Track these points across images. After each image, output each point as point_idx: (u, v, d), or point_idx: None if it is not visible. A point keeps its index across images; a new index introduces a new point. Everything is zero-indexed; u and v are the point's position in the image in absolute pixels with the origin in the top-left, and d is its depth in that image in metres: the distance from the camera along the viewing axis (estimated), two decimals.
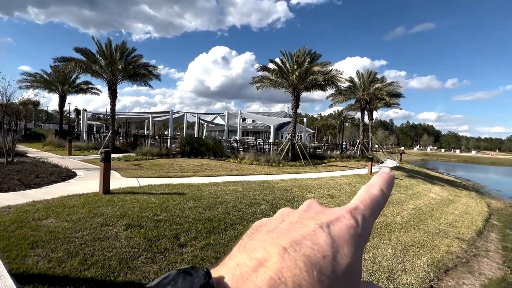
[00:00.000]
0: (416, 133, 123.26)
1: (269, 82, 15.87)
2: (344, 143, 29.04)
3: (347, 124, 46.96)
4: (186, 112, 25.87)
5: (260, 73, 15.91)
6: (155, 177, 8.84)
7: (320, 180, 10.14)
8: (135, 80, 17.87)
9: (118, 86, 17.11)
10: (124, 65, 15.14)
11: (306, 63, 14.24)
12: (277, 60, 15.60)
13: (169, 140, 18.07)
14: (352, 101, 22.91)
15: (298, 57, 14.62)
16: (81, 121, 26.68)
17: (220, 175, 9.87)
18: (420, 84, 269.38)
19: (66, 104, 26.49)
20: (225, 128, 23.53)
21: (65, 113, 30.67)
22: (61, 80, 22.72)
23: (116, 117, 18.80)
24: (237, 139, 21.49)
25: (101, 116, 37.53)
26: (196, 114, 25.63)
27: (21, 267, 2.85)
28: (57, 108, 28.02)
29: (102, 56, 15.59)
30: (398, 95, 21.73)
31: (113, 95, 16.82)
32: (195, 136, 22.03)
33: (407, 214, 7.36)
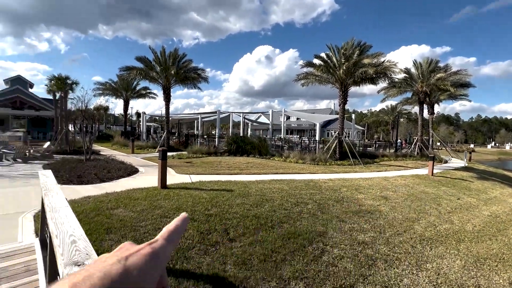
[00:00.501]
0: (489, 129, 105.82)
1: (314, 78, 15.40)
2: (399, 140, 26.55)
3: (402, 119, 42.87)
4: (232, 112, 26.79)
5: (305, 69, 15.54)
6: (205, 174, 9.37)
7: (372, 180, 9.46)
8: (186, 84, 19.18)
9: (171, 90, 18.62)
10: (176, 70, 16.38)
11: (355, 55, 13.39)
12: (323, 55, 15.03)
13: (216, 139, 18.96)
14: (409, 94, 20.76)
15: (345, 50, 13.84)
16: (141, 123, 29.90)
17: (265, 173, 9.96)
18: (495, 71, 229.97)
19: (128, 108, 29.87)
20: (269, 126, 23.65)
21: (128, 116, 34.65)
22: (125, 87, 25.74)
23: (170, 118, 20.51)
24: (282, 137, 21.43)
25: (157, 118, 41.41)
26: (241, 114, 26.35)
27: (99, 249, 3.32)
28: (122, 112, 31.93)
29: (157, 63, 17.14)
30: (466, 85, 18.90)
31: (167, 98, 18.36)
32: (241, 135, 22.67)
33: (480, 222, 6.38)
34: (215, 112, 24.41)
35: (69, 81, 19.00)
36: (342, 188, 7.83)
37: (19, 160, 10.71)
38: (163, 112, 22.74)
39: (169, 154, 16.80)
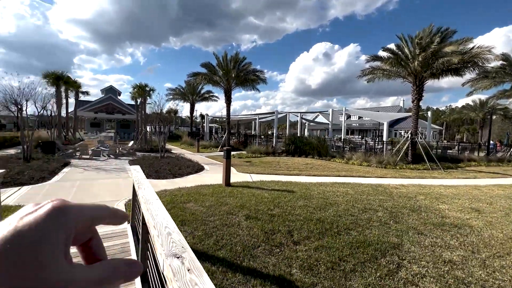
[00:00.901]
0: None
1: (381, 73, 14.03)
2: (491, 142, 22.03)
3: (495, 116, 35.58)
4: (289, 112, 26.61)
5: (370, 64, 14.27)
6: (265, 173, 9.50)
7: (457, 189, 8.05)
8: (245, 86, 19.89)
9: (231, 92, 19.58)
10: (236, 73, 17.14)
11: (434, 44, 11.63)
12: (391, 46, 13.55)
13: (274, 140, 19.11)
14: (506, 86, 17.03)
15: (421, 39, 12.17)
16: (204, 124, 32.39)
17: (326, 175, 9.53)
18: None
19: (193, 111, 32.65)
20: (329, 126, 22.63)
21: (193, 118, 37.96)
22: (191, 91, 28.25)
23: (230, 119, 21.62)
24: (342, 137, 20.23)
25: (217, 119, 44.25)
26: (299, 114, 25.94)
27: None
28: (187, 114, 35.23)
29: (220, 67, 18.25)
30: None
31: (228, 100, 19.38)
32: (298, 135, 22.32)
33: None
34: (272, 113, 24.66)
35: (147, 89, 21.84)
36: (418, 196, 6.89)
37: (111, 156, 12.82)
38: (223, 113, 24.16)
39: None
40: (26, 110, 10.28)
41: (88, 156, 12.29)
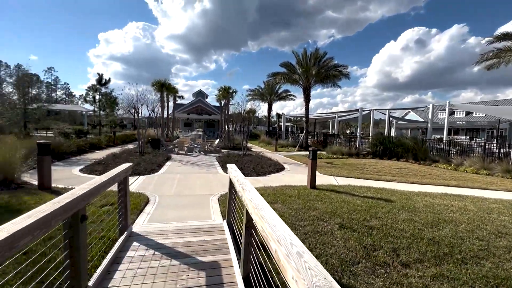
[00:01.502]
0: None
1: None
2: None
3: None
4: (374, 109, 23.86)
5: (495, 45, 11.19)
6: (350, 177, 8.68)
7: None
8: (325, 83, 18.91)
9: (310, 90, 18.94)
10: (317, 69, 16.43)
11: None
12: None
13: (357, 139, 17.49)
14: None
15: None
16: (281, 123, 32.66)
17: (429, 184, 7.96)
18: None
19: (271, 110, 33.36)
20: (427, 124, 19.10)
21: (270, 117, 38.87)
22: (269, 91, 28.94)
23: (308, 118, 21.00)
24: (445, 138, 16.70)
25: (292, 118, 43.97)
26: (386, 111, 22.93)
27: None
28: (264, 113, 36.35)
29: (299, 65, 17.90)
30: None
31: (307, 99, 18.85)
32: (383, 134, 19.76)
33: None
34: (354, 110, 22.67)
35: (230, 91, 23.58)
36: None
37: (202, 152, 14.33)
38: (299, 112, 23.77)
39: (306, 153, 17.24)
40: (141, 113, 12.55)
41: (184, 152, 14.09)
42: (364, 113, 24.29)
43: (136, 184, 6.43)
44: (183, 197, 5.48)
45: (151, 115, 13.25)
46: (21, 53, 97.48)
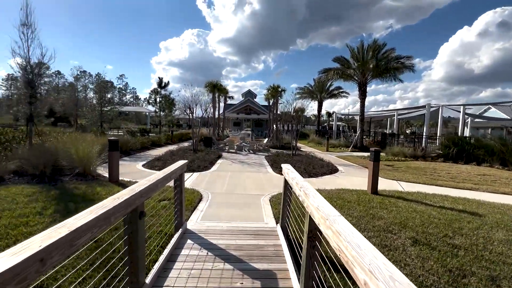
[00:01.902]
0: None
1: None
2: None
3: None
4: (443, 105, 20.72)
5: None
6: (418, 182, 7.56)
7: None
8: (385, 77, 17.15)
9: (367, 85, 17.41)
10: (375, 62, 14.96)
11: None
12: None
13: (423, 140, 15.38)
14: None
15: None
16: (332, 122, 31.02)
17: None
18: None
19: (321, 108, 31.97)
20: None
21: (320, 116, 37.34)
22: (319, 89, 27.75)
23: (360, 116, 19.38)
24: None
25: (343, 117, 41.38)
26: (461, 107, 19.64)
27: None
28: (313, 112, 35.03)
29: (354, 59, 16.59)
30: None
31: (362, 95, 17.39)
32: (449, 134, 16.96)
33: None
34: (419, 107, 20.06)
35: (279, 89, 23.33)
36: None
37: (251, 151, 14.42)
38: (352, 110, 22.08)
39: (361, 154, 15.88)
40: (195, 113, 13.24)
41: (233, 150, 14.39)
42: (431, 109, 21.34)
43: (190, 180, 6.68)
44: (234, 196, 5.43)
45: (204, 115, 13.86)
46: (99, 63, 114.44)
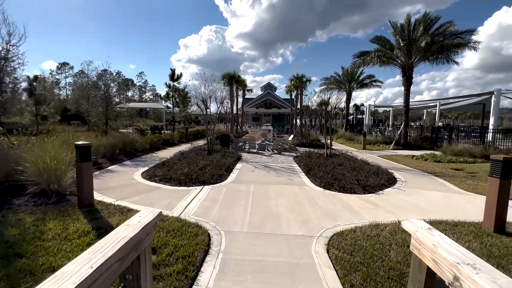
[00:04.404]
0: None
1: None
2: None
3: None
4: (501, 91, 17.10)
5: None
6: None
7: None
8: (437, 59, 14.11)
9: (413, 70, 14.46)
10: (429, 39, 12.04)
11: None
12: None
13: (490, 134, 12.30)
14: None
15: None
16: (359, 116, 27.98)
17: None
18: None
19: (350, 100, 28.87)
20: None
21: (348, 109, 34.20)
22: (348, 78, 24.78)
23: (397, 108, 16.40)
24: None
25: (373, 109, 37.74)
26: None
27: None
28: (340, 105, 31.93)
29: (399, 37, 13.69)
30: None
31: (408, 81, 14.48)
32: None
33: None
34: (475, 95, 16.66)
35: (304, 79, 20.84)
36: None
37: (275, 150, 12.24)
38: (376, 102, 18.92)
39: (408, 153, 13.10)
40: (209, 107, 11.27)
41: (255, 150, 12.29)
42: (480, 98, 17.81)
43: (196, 202, 4.64)
44: (263, 240, 3.22)
45: (219, 108, 11.86)
46: (123, 63, 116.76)
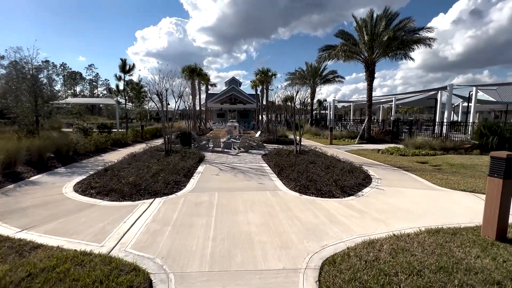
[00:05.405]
0: None
1: None
2: None
3: None
4: (455, 85, 18.48)
5: None
6: None
7: None
8: (395, 54, 14.52)
9: (375, 65, 14.70)
10: (392, 34, 12.17)
11: None
12: None
13: (444, 127, 12.99)
14: None
15: None
16: (322, 111, 28.47)
17: None
18: None
19: (314, 96, 29.21)
20: None
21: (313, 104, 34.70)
22: (313, 73, 24.88)
23: (371, 102, 16.76)
24: None
25: (336, 104, 39.06)
26: (473, 88, 17.49)
27: None
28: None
29: (362, 32, 13.72)
30: None
31: (370, 77, 14.70)
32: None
33: None
34: (430, 90, 17.71)
35: (269, 73, 20.21)
36: None
37: (241, 148, 11.35)
38: (333, 98, 19.34)
39: (373, 147, 13.29)
40: (167, 101, 9.90)
41: (220, 149, 11.26)
42: (428, 94, 19.16)
43: (141, 224, 3.52)
44: (232, 284, 2.30)
45: (178, 102, 10.52)
46: (71, 55, 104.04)
